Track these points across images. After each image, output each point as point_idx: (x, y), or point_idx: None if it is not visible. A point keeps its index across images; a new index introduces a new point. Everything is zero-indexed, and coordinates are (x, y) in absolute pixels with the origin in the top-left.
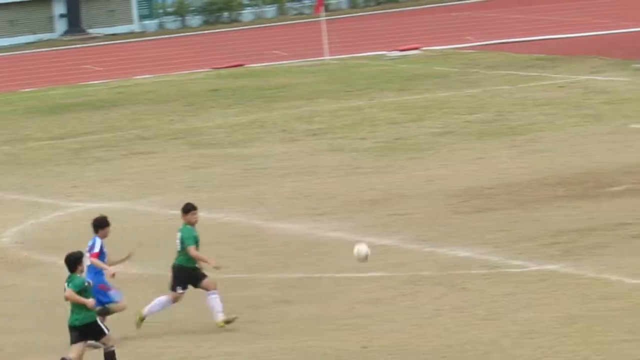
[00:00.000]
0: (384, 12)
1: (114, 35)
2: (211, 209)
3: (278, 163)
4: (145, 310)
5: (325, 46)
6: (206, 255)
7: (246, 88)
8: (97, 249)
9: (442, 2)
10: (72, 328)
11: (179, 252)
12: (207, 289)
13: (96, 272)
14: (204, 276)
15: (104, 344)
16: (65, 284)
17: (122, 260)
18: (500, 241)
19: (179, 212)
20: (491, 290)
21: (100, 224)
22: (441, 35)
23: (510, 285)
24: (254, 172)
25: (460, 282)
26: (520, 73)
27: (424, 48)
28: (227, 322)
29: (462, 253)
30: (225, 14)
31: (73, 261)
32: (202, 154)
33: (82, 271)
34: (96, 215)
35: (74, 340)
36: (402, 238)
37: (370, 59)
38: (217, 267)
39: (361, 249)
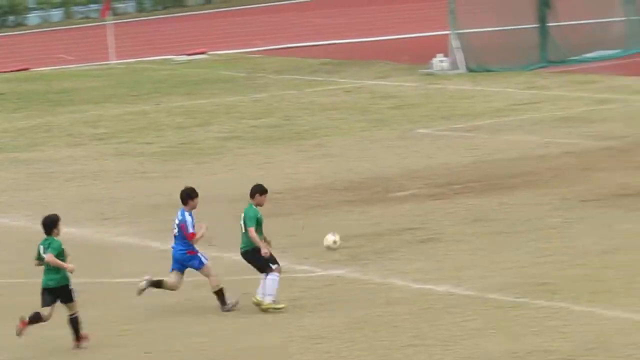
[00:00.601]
0: (171, 17)
1: None
2: None
3: (64, 167)
4: (266, 298)
5: (112, 50)
6: (263, 243)
7: (32, 92)
8: (192, 229)
9: (229, 7)
10: (46, 290)
11: (244, 234)
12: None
13: (184, 243)
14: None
15: (70, 309)
16: (42, 247)
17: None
18: (287, 246)
19: None
20: (278, 294)
21: (190, 195)
22: (228, 40)
23: (297, 290)
24: (39, 176)
25: (246, 287)
26: (307, 78)
27: (211, 52)
28: (273, 307)
29: None
30: (11, 17)
31: (50, 224)
32: None
33: (57, 234)
34: None
35: (47, 303)
36: None
37: (157, 63)
38: (264, 254)
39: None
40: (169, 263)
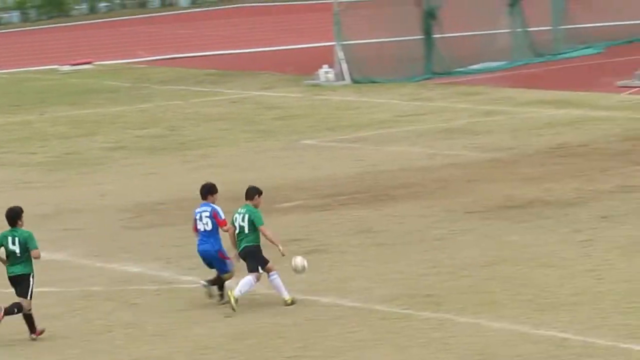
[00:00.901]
0: (55, 27)
1: None
2: None
3: None
4: (237, 291)
5: None
6: (273, 234)
7: None
8: (224, 216)
9: (114, 17)
10: (12, 279)
11: (247, 234)
12: (268, 271)
13: (216, 239)
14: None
15: (21, 306)
16: (10, 238)
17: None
18: (172, 257)
19: None
20: (162, 306)
21: (210, 190)
22: (113, 50)
23: (182, 301)
24: None
25: (131, 297)
26: (192, 88)
27: (96, 63)
28: (292, 302)
29: (134, 268)
30: None
31: (14, 216)
32: None
33: (22, 225)
34: None
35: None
36: (74, 253)
37: (42, 73)
38: (283, 254)
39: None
40: (55, 274)
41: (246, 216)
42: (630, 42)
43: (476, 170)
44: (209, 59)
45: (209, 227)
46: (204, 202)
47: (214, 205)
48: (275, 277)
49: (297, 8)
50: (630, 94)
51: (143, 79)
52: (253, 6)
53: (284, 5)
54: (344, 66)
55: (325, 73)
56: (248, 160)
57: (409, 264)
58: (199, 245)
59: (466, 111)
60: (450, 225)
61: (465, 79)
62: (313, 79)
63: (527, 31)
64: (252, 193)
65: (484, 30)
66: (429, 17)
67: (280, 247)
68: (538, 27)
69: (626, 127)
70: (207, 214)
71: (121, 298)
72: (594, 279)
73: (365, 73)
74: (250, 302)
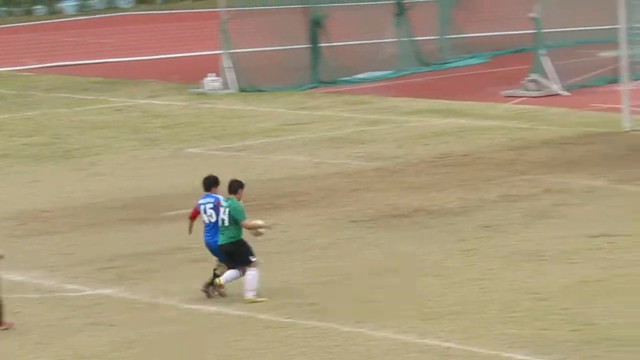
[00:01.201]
0: None
1: None
2: None
3: None
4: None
5: None
6: (254, 222)
7: None
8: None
9: None
10: None
11: (227, 227)
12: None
13: (216, 231)
14: None
15: None
16: None
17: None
18: (56, 265)
19: None
20: (45, 314)
21: (215, 182)
22: None
23: (66, 310)
24: None
25: (14, 306)
26: (78, 96)
27: None
28: (255, 301)
29: (17, 277)
30: None
31: None
32: None
33: None
34: None
35: None
36: None
37: None
38: (270, 228)
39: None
40: None
41: (227, 210)
42: (516, 51)
43: (361, 179)
44: (96, 67)
45: (214, 218)
46: (207, 193)
47: (217, 195)
48: (252, 273)
49: (185, 16)
50: (515, 103)
51: (29, 87)
52: (140, 14)
53: (171, 13)
54: (230, 75)
55: (211, 81)
56: (134, 168)
57: (293, 273)
58: (205, 237)
59: (352, 120)
60: (335, 234)
61: (351, 88)
62: (198, 88)
63: (413, 40)
64: (236, 187)
65: (371, 40)
66: (316, 25)
67: (262, 230)
68: (424, 36)
69: (511, 136)
70: (211, 205)
71: (10, 306)
72: (477, 288)
73: (251, 82)
74: (133, 311)
